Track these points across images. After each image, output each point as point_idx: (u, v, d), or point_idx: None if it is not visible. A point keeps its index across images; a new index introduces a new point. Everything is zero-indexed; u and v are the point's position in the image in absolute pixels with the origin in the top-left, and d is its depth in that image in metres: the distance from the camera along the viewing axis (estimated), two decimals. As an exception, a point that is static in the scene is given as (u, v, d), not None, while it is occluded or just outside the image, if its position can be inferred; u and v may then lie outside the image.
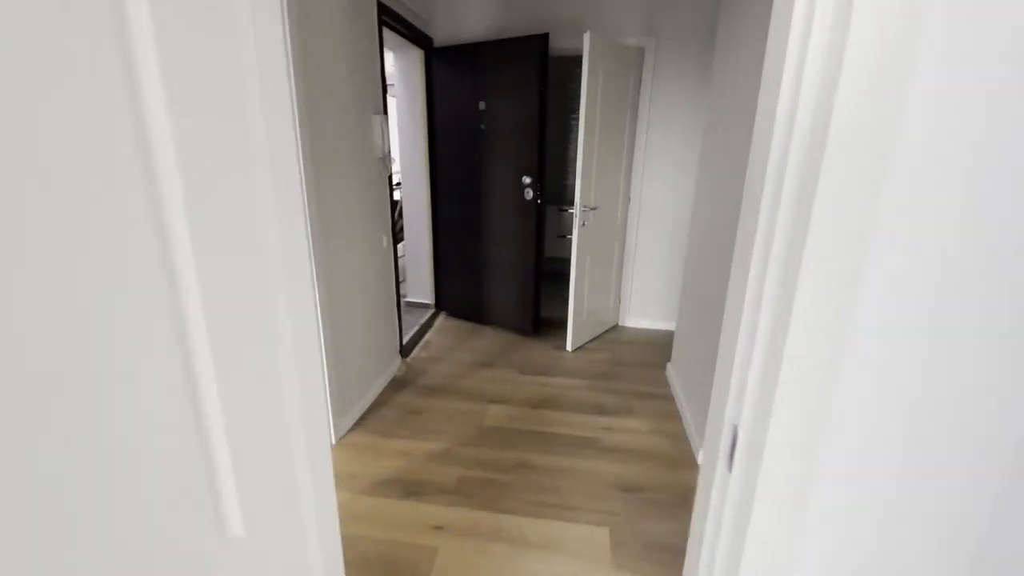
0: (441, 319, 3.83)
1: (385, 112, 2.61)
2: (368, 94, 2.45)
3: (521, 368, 3.03)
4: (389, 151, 2.68)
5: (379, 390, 2.68)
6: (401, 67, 3.42)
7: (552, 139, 4.33)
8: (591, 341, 3.46)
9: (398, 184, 3.87)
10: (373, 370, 2.62)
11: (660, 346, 3.41)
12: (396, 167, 3.68)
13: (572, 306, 3.14)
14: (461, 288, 3.73)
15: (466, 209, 3.50)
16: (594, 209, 3.08)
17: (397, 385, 2.79)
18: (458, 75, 3.26)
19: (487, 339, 3.47)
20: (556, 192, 5.10)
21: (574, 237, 3.00)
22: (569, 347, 3.25)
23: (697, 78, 3.13)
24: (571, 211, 3.02)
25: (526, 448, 2.24)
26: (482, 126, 3.24)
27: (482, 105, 3.20)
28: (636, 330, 3.72)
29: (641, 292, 3.69)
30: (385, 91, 2.64)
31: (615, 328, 3.74)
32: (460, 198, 3.52)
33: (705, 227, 2.46)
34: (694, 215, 2.74)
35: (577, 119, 3.77)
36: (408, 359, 3.10)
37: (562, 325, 3.39)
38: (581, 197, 2.92)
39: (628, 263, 3.61)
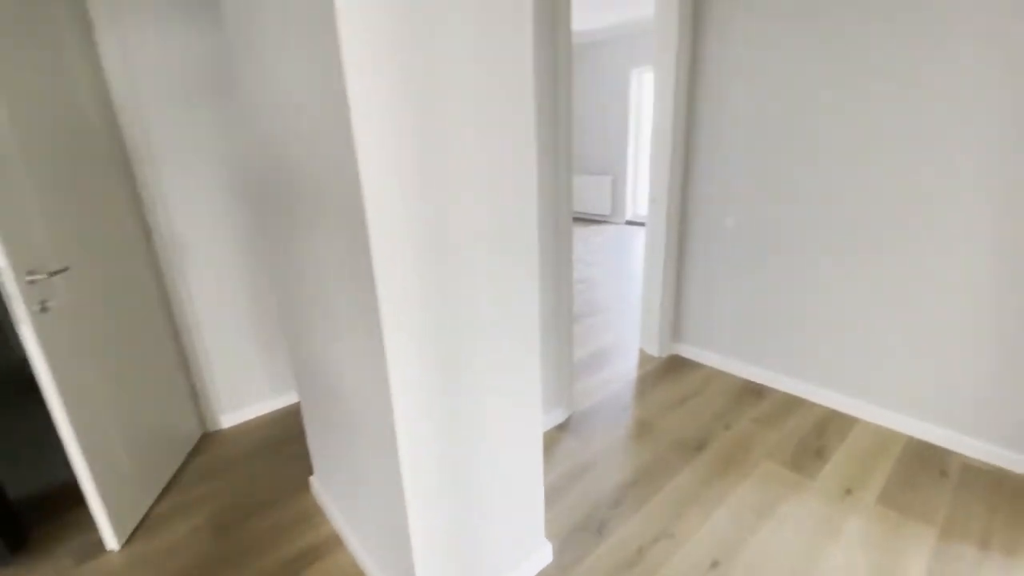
0: None
1: None
2: None
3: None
4: None
5: None
6: None
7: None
8: (163, 499, 2.00)
9: None
10: None
11: (284, 439, 2.31)
12: None
13: (83, 458, 1.62)
14: None
15: None
16: (59, 273, 1.63)
17: None
18: None
19: None
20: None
21: (28, 334, 1.49)
22: (114, 543, 1.73)
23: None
24: None
25: None
26: None
27: None
28: (242, 427, 2.46)
29: (231, 365, 2.44)
30: None
31: (206, 438, 2.36)
32: None
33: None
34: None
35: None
36: None
37: (79, 501, 1.80)
38: (10, 259, 1.43)
39: (198, 331, 2.28)
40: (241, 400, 2.49)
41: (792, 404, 2.49)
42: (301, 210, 1.28)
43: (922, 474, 1.97)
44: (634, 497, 1.90)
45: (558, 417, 2.37)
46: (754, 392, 2.61)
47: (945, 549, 1.63)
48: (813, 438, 2.23)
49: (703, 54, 2.52)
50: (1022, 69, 1.69)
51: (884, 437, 2.21)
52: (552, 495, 1.93)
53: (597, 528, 1.77)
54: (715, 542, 1.69)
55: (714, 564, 1.61)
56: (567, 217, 2.14)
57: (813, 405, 2.47)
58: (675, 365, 2.93)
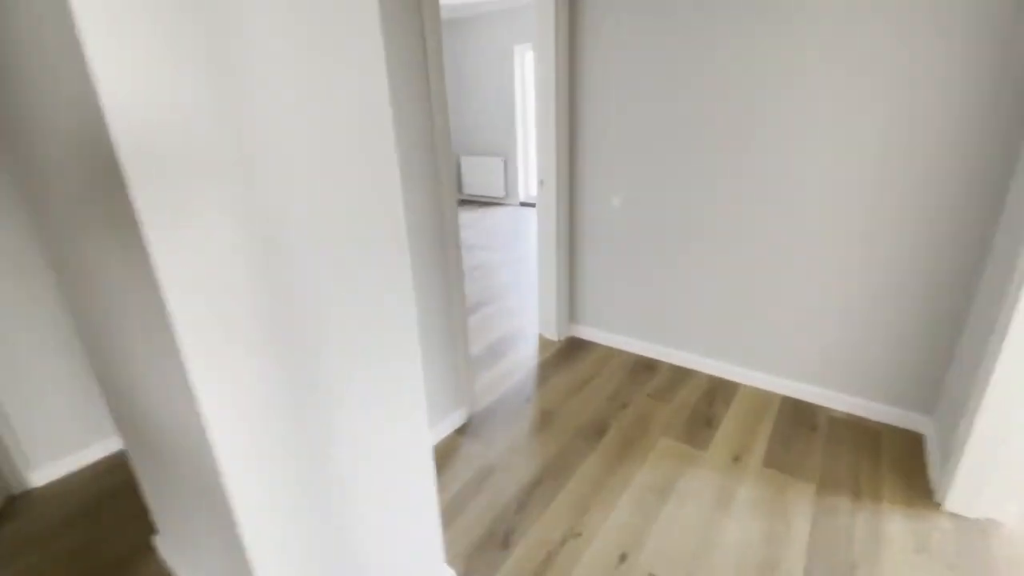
0: None
1: None
2: None
3: None
4: None
5: None
6: None
7: None
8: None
9: None
10: None
11: (116, 492, 1.87)
12: None
13: None
14: None
15: None
16: None
17: None
18: None
19: None
20: None
21: None
22: None
23: None
24: None
25: None
26: None
27: None
28: (61, 484, 1.96)
29: (37, 407, 1.92)
30: None
31: (14, 503, 1.84)
32: None
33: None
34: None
35: None
36: None
37: None
38: None
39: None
40: (56, 450, 1.98)
41: (682, 376, 2.57)
42: (65, 205, 0.93)
43: (797, 431, 2.12)
44: (540, 497, 1.81)
45: (457, 420, 2.20)
46: (647, 367, 2.66)
47: (824, 503, 1.75)
48: (703, 407, 2.31)
49: (582, 31, 2.42)
50: (873, 73, 1.80)
51: (762, 399, 2.36)
52: (453, 511, 1.77)
53: (503, 540, 1.64)
54: (621, 533, 1.65)
55: (622, 557, 1.57)
56: (451, 201, 1.95)
57: (700, 375, 2.57)
58: (574, 347, 2.91)
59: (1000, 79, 1.62)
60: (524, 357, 2.81)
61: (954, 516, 1.67)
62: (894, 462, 1.93)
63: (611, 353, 2.82)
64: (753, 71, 2.04)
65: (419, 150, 1.79)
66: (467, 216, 6.53)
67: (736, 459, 1.97)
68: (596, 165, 2.61)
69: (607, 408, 2.32)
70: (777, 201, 2.14)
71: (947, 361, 1.95)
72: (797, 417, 2.22)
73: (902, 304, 1.98)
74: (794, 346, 2.29)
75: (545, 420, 2.25)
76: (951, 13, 1.64)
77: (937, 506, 1.71)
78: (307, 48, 0.81)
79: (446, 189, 1.92)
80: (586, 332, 2.98)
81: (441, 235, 1.95)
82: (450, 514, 1.76)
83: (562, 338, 3.00)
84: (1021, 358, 1.45)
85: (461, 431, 2.19)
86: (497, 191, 7.19)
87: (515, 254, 4.79)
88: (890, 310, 2.01)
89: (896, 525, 1.65)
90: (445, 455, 2.04)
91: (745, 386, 2.46)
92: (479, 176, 7.31)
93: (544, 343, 2.97)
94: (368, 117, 0.92)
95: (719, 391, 2.43)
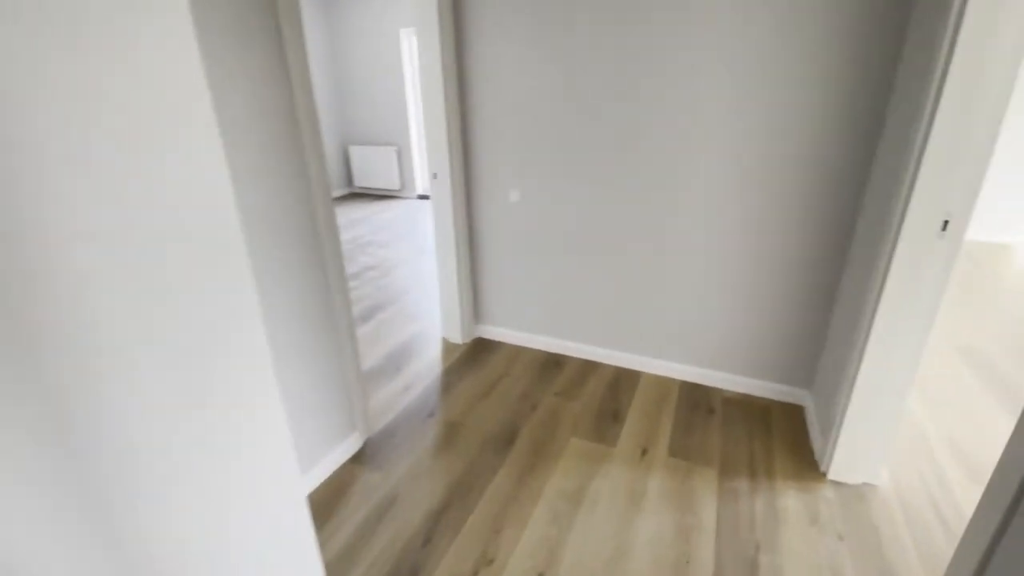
0: None
1: None
2: None
3: None
4: None
5: None
6: None
7: None
8: None
9: None
10: None
11: None
12: None
13: None
14: None
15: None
16: None
17: None
18: None
19: None
20: None
21: None
22: None
23: None
24: None
25: None
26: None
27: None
28: None
29: None
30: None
31: None
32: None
33: None
34: None
35: None
36: None
37: None
38: None
39: None
40: None
41: (589, 369, 2.55)
42: None
43: (696, 415, 2.18)
44: (448, 525, 1.65)
45: (351, 447, 1.95)
46: (555, 363, 2.60)
47: (726, 487, 1.79)
48: (610, 400, 2.29)
49: (468, 19, 2.24)
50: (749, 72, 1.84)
51: (663, 385, 2.40)
52: (350, 555, 1.55)
53: (407, 582, 1.46)
54: (536, 551, 1.55)
55: (538, 580, 1.46)
56: (325, 197, 1.68)
57: (605, 367, 2.57)
58: (480, 349, 2.77)
59: (860, 79, 1.73)
60: (427, 365, 2.61)
61: (837, 484, 1.79)
62: (782, 435, 2.05)
63: (519, 352, 2.73)
64: (643, 70, 2.01)
65: (279, 139, 1.50)
66: (360, 211, 6.09)
67: (644, 452, 1.97)
68: (492, 158, 2.46)
69: (516, 411, 2.21)
70: (666, 196, 2.16)
71: (822, 339, 2.11)
72: (695, 401, 2.28)
73: (778, 290, 2.10)
74: (688, 334, 2.35)
75: (451, 435, 2.08)
76: (835, 16, 1.71)
77: (823, 476, 1.83)
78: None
79: (317, 183, 1.65)
80: (493, 332, 2.85)
81: (315, 236, 1.68)
82: (347, 559, 1.53)
83: (468, 340, 2.85)
84: (887, 341, 1.56)
85: (357, 459, 1.95)
86: (392, 183, 6.80)
87: (414, 250, 4.53)
88: (769, 296, 2.13)
89: (790, 500, 1.73)
90: (338, 490, 1.80)
91: (647, 374, 2.50)
92: (372, 167, 6.86)
93: (448, 347, 2.79)
94: (172, 97, 0.67)
95: (623, 381, 2.44)
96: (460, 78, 2.38)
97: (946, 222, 1.40)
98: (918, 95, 1.43)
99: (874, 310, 1.55)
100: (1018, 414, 2.15)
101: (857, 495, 1.75)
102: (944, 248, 1.43)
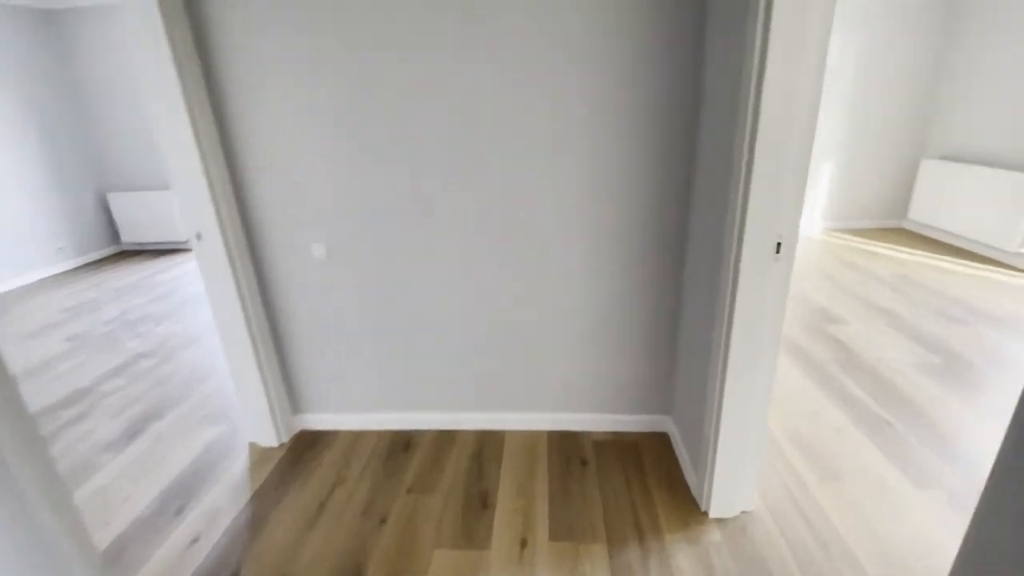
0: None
1: None
2: None
3: None
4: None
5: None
6: None
7: None
8: None
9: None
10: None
11: None
12: None
13: None
14: None
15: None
16: None
17: None
18: None
19: None
20: None
21: None
22: None
23: None
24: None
25: None
26: None
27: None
28: None
29: None
30: None
31: None
32: None
33: None
34: None
35: None
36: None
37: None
38: None
39: None
40: None
41: (444, 443, 2.15)
42: None
43: (571, 473, 1.94)
44: None
45: None
46: (403, 446, 2.15)
47: (617, 561, 1.56)
48: (475, 479, 1.93)
49: (208, 27, 1.68)
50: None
51: (531, 442, 2.13)
52: None
53: None
54: None
55: None
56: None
57: (465, 433, 2.20)
58: (305, 447, 2.16)
59: (679, 98, 1.66)
60: (227, 493, 1.93)
61: (720, 522, 1.69)
62: (657, 473, 1.91)
63: (357, 440, 2.20)
64: (457, 111, 1.70)
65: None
66: (131, 274, 4.78)
67: (523, 544, 1.64)
68: (279, 204, 1.92)
69: (360, 533, 1.70)
70: (506, 239, 1.89)
71: (674, 363, 2.04)
72: (567, 454, 2.05)
73: (624, 320, 1.98)
74: (547, 379, 2.12)
75: (268, 599, 1.49)
76: (650, 40, 1.59)
77: (704, 516, 1.72)
78: None
79: None
80: (321, 420, 2.27)
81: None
82: None
83: (287, 439, 2.22)
84: (745, 365, 1.48)
85: None
86: (174, 234, 5.52)
87: (209, 320, 3.60)
88: (617, 328, 2.00)
89: (682, 557, 1.56)
90: None
91: (512, 433, 2.20)
92: (144, 217, 5.47)
93: (260, 456, 2.13)
94: None
95: (488, 448, 2.10)
96: (216, 108, 1.79)
97: (779, 244, 1.35)
98: (731, 129, 1.37)
99: (727, 336, 1.46)
100: (829, 386, 2.38)
101: (739, 528, 1.66)
102: (780, 269, 1.39)
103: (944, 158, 4.70)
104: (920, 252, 4.39)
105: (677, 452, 2.01)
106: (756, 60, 1.20)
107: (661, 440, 2.10)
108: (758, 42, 1.19)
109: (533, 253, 1.91)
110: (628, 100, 1.67)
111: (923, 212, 4.83)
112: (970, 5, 4.38)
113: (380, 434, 2.23)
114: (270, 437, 2.17)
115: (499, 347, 2.08)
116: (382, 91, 1.72)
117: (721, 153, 1.47)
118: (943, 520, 1.65)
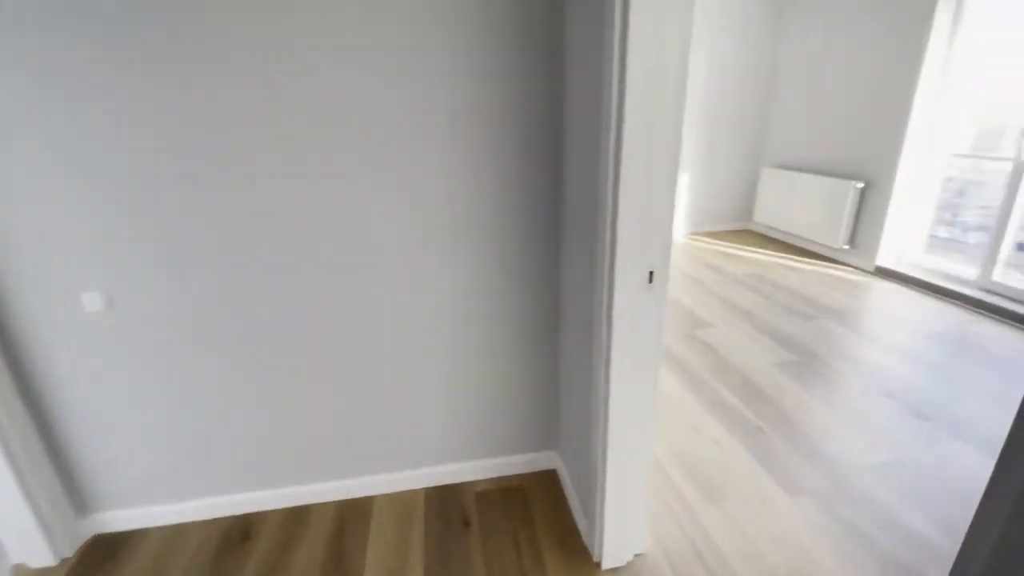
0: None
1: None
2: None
3: None
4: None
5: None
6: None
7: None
8: None
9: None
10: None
11: None
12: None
13: None
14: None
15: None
16: None
17: None
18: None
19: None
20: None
21: None
22: None
23: None
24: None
25: None
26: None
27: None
28: None
29: None
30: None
31: None
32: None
33: None
34: None
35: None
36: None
37: None
38: None
39: None
40: None
41: (294, 523, 1.76)
42: None
43: (450, 538, 1.67)
44: None
45: None
46: (240, 535, 1.71)
47: (503, 653, 1.32)
48: (332, 567, 1.58)
49: None
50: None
51: (405, 505, 1.82)
52: None
53: None
54: None
55: None
56: None
57: (323, 507, 1.83)
58: (99, 561, 1.63)
59: (546, 121, 1.48)
60: (-40, 653, 1.35)
61: (613, 573, 1.54)
62: (546, 520, 1.73)
63: (177, 537, 1.71)
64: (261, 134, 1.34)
65: None
66: None
67: (393, 649, 1.34)
68: (32, 245, 1.39)
69: None
70: (353, 276, 1.57)
71: (556, 394, 1.88)
72: (447, 514, 1.78)
73: (499, 355, 1.78)
74: (420, 428, 1.83)
75: None
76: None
77: (597, 567, 1.56)
78: None
79: None
80: (122, 519, 1.73)
81: None
82: None
83: (72, 552, 1.65)
84: (626, 399, 1.34)
85: None
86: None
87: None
88: (490, 362, 1.78)
89: (576, 627, 1.38)
90: None
91: (381, 496, 1.87)
92: None
93: (24, 583, 1.55)
94: None
95: (350, 521, 1.76)
96: None
97: (651, 273, 1.22)
98: (595, 164, 1.22)
99: (607, 368, 1.31)
100: (705, 396, 2.40)
101: (633, 575, 1.53)
102: (653, 298, 1.27)
103: (779, 166, 5.29)
104: (766, 252, 4.86)
105: (566, 492, 1.84)
106: (615, 68, 1.05)
107: (549, 480, 1.93)
108: (616, 53, 1.04)
109: (390, 287, 1.62)
110: (522, 131, 1.46)
111: (765, 215, 5.39)
112: (794, 9, 4.97)
113: (207, 525, 1.76)
114: (43, 554, 1.60)
115: (361, 399, 1.74)
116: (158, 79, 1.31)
117: (587, 189, 1.31)
118: (818, 528, 1.67)
